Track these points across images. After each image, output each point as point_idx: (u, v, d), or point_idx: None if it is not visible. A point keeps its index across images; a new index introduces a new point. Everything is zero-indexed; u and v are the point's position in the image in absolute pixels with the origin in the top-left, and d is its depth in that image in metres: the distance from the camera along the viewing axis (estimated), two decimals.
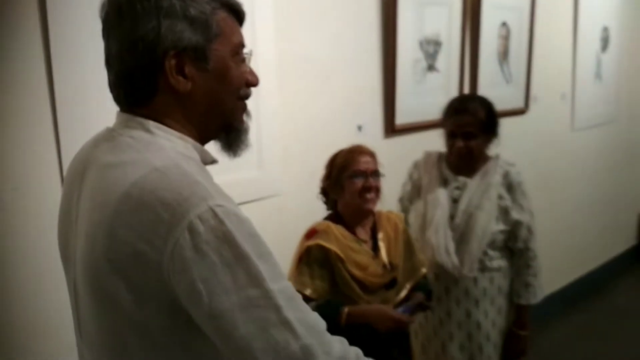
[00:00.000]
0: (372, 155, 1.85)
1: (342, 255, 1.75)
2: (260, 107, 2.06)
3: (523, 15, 3.24)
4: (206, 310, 0.82)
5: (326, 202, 1.92)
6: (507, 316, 2.17)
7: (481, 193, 2.05)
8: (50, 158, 1.63)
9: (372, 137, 2.51)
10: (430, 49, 2.69)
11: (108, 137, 0.96)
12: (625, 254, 4.76)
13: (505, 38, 3.15)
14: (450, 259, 2.03)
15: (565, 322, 3.79)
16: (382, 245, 1.86)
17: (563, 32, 3.71)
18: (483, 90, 3.03)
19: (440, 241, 2.04)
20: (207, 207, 0.83)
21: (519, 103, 3.35)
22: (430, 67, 2.71)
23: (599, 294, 4.19)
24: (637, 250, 4.89)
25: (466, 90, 2.97)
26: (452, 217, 2.07)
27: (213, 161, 1.01)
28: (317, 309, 1.69)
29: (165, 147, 0.91)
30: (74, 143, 1.61)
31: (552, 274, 3.88)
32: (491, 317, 2.12)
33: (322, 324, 0.90)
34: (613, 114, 4.29)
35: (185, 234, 0.81)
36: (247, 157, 1.11)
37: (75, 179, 0.99)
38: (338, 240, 1.78)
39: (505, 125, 3.25)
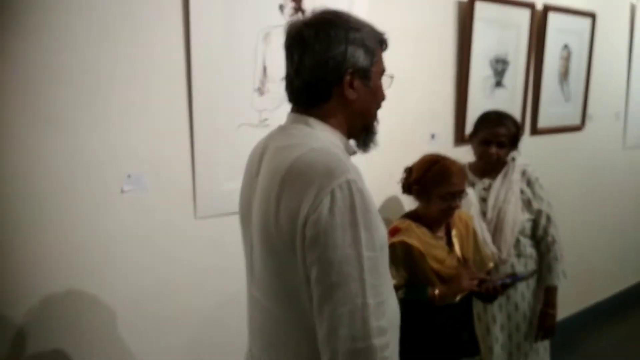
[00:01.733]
0: (462, 174, 2.04)
1: (423, 250, 1.98)
2: None
3: (583, 38, 3.45)
4: (317, 255, 1.09)
5: (406, 192, 2.13)
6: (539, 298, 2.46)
7: (505, 190, 2.36)
8: (184, 147, 1.94)
9: (443, 145, 2.76)
10: (499, 67, 2.93)
11: (279, 131, 1.31)
12: None
13: (567, 59, 3.36)
14: (488, 248, 2.31)
15: (612, 329, 3.96)
16: (455, 241, 2.10)
17: (619, 55, 3.90)
18: (544, 107, 3.26)
19: (477, 234, 2.28)
20: (345, 179, 1.11)
21: (575, 120, 3.56)
22: (498, 84, 2.95)
23: None
24: None
25: (529, 106, 3.19)
26: (483, 213, 2.36)
27: (354, 152, 1.33)
28: (407, 294, 1.95)
29: (320, 137, 1.23)
30: (205, 138, 1.93)
31: (600, 282, 4.06)
32: (527, 299, 2.42)
33: (383, 296, 1.14)
34: None
35: (328, 197, 1.09)
36: None
37: (255, 160, 1.33)
38: (419, 237, 2.01)
39: (562, 141, 3.50)
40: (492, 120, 2.36)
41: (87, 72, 1.70)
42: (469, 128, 2.82)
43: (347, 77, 1.22)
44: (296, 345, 1.21)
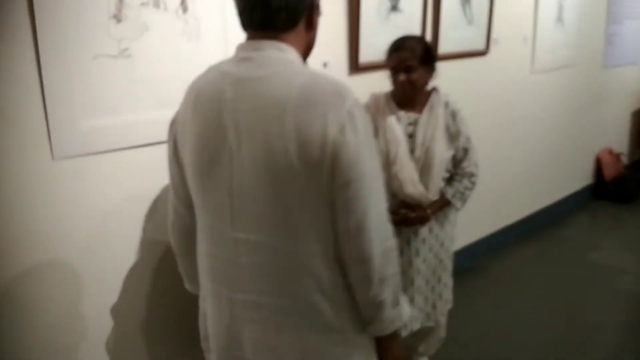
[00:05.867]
0: None
1: None
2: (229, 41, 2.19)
3: None
4: (349, 173, 1.16)
5: None
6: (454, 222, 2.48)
7: (433, 126, 2.27)
8: (32, 83, 1.77)
9: (337, 74, 2.66)
10: None
11: (240, 62, 1.25)
12: (582, 191, 5.05)
13: None
14: (416, 189, 2.26)
15: (520, 250, 4.09)
16: None
17: None
18: (445, 31, 3.19)
19: (406, 175, 2.25)
20: (354, 98, 1.20)
21: (480, 45, 3.50)
22: (394, 8, 2.84)
23: (555, 227, 4.49)
24: (592, 188, 5.18)
25: (429, 31, 3.11)
26: (411, 151, 2.28)
27: None
28: None
29: (294, 61, 1.24)
30: (54, 71, 1.77)
31: (510, 207, 4.16)
32: (446, 228, 2.43)
33: None
34: (573, 58, 4.47)
35: (347, 117, 1.16)
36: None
37: (213, 99, 1.24)
38: None
39: (466, 66, 3.46)
40: (394, 46, 2.25)
41: None
42: (363, 55, 2.73)
43: (316, 5, 1.29)
44: (318, 272, 1.24)
